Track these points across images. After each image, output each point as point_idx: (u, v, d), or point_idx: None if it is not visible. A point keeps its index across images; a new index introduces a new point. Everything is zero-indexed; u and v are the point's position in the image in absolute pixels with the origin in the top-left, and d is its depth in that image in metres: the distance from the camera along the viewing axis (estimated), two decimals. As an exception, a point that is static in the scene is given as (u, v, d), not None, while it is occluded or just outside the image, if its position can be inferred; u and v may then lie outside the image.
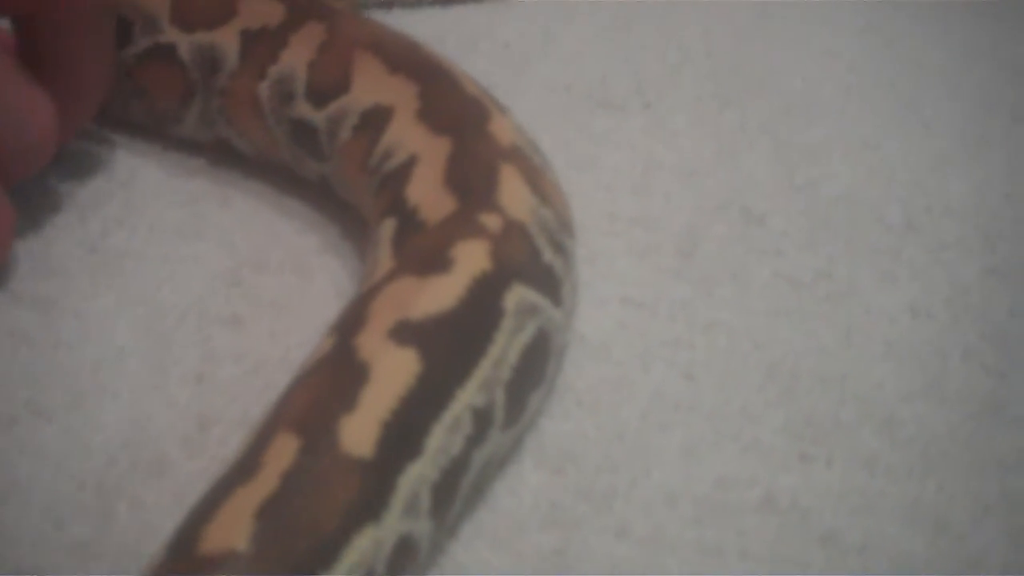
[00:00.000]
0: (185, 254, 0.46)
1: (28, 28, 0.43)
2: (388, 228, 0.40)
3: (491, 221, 0.39)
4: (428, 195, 0.40)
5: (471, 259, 0.37)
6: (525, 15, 0.65)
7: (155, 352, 0.41)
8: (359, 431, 0.32)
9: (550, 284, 0.40)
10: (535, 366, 0.39)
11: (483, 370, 0.36)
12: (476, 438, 0.36)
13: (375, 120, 0.44)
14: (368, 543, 0.30)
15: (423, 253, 0.38)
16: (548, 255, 0.40)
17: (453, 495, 0.35)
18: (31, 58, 0.43)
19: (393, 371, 0.34)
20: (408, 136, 0.42)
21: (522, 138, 0.44)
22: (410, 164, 0.41)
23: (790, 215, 0.51)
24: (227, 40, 0.47)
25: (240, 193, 0.49)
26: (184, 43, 0.48)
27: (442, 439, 0.34)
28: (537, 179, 0.42)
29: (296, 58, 0.46)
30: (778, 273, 0.47)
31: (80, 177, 0.49)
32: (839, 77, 0.60)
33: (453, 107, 0.44)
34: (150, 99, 0.49)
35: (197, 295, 0.44)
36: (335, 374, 0.34)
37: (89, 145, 0.50)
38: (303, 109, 0.46)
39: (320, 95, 0.45)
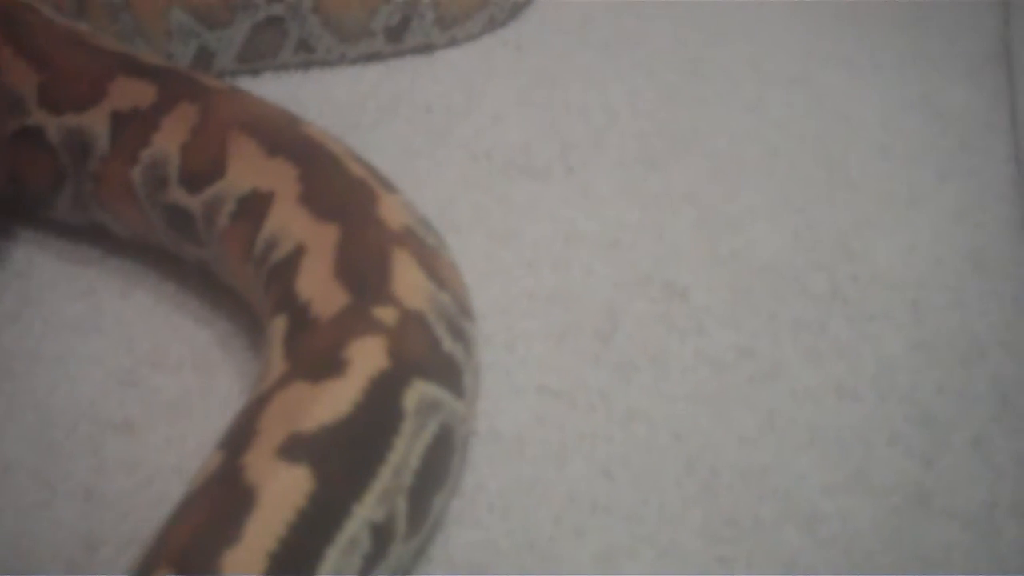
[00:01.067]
0: (81, 353, 0.44)
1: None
2: (279, 326, 0.38)
3: (386, 315, 0.37)
4: (319, 289, 0.39)
5: (366, 359, 0.36)
6: (448, 72, 0.63)
7: (43, 465, 0.39)
8: (244, 565, 0.31)
9: (451, 375, 0.38)
10: (439, 466, 0.37)
11: (382, 480, 0.34)
12: (376, 555, 0.34)
13: (254, 206, 0.42)
14: None
15: (316, 355, 0.37)
16: (448, 343, 0.39)
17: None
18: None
19: (282, 494, 0.32)
20: (292, 223, 0.41)
21: (413, 217, 0.43)
22: (297, 255, 0.40)
23: (713, 288, 0.49)
24: (97, 123, 0.45)
25: (141, 282, 0.47)
26: (53, 126, 0.46)
27: (337, 562, 0.33)
28: (432, 261, 0.41)
29: (168, 141, 0.44)
30: (700, 353, 0.46)
31: (-27, 269, 0.47)
32: (766, 135, 0.59)
33: (337, 190, 0.42)
34: (20, 183, 0.47)
35: (90, 399, 0.42)
36: (220, 500, 0.32)
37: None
38: (177, 195, 0.44)
39: (194, 180, 0.44)
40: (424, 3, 0.63)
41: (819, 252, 0.52)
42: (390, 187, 0.43)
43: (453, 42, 0.66)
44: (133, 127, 0.45)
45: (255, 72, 0.61)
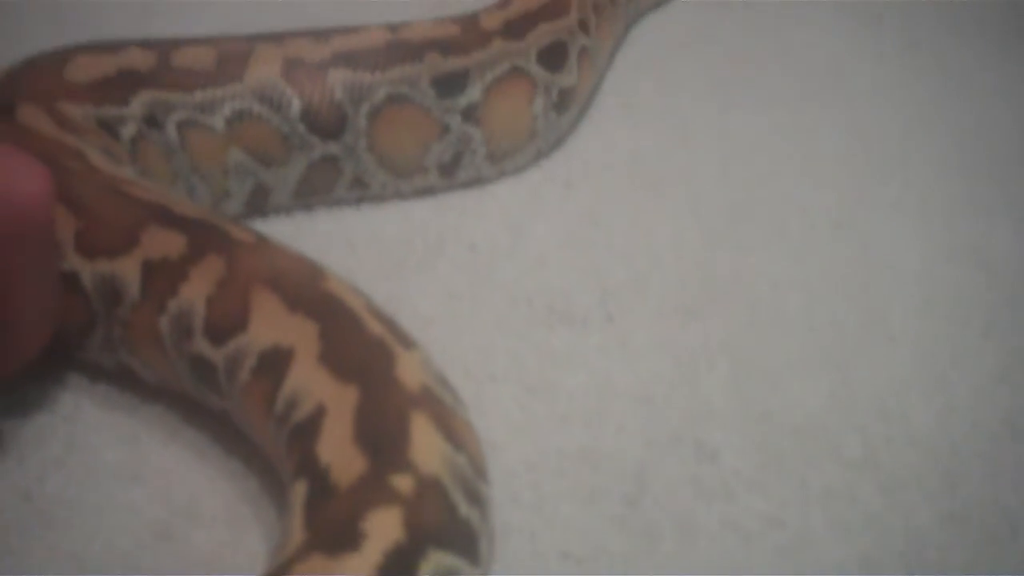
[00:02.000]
0: (120, 502, 0.45)
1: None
2: (300, 492, 0.39)
3: (403, 483, 0.38)
4: (338, 454, 0.39)
5: (383, 531, 0.36)
6: (495, 208, 0.65)
7: (76, 619, 0.41)
8: None
9: (467, 542, 0.39)
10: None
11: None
12: None
13: (275, 362, 0.43)
14: None
15: (334, 526, 0.37)
16: (464, 508, 0.39)
17: None
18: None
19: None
20: (312, 383, 0.42)
21: (431, 375, 0.43)
22: (318, 416, 0.41)
23: (744, 450, 0.50)
24: (129, 271, 0.47)
25: (182, 431, 0.48)
26: (87, 271, 0.48)
27: None
28: (449, 421, 0.41)
29: (195, 293, 0.46)
30: (727, 521, 0.46)
31: (25, 412, 0.48)
32: (808, 284, 0.60)
33: (356, 350, 0.43)
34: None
35: (126, 551, 0.43)
36: None
37: (35, 377, 0.50)
38: (202, 346, 0.45)
39: (218, 332, 0.45)
40: (475, 139, 0.65)
41: (854, 412, 0.52)
42: (408, 343, 0.44)
43: (502, 175, 0.68)
44: (163, 276, 0.46)
45: (309, 207, 0.63)
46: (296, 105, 0.60)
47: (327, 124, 0.61)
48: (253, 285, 0.45)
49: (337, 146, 0.62)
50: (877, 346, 0.56)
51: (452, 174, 0.65)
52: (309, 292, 0.45)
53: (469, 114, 0.65)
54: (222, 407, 0.46)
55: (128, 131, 0.57)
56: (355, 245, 0.60)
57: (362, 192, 0.64)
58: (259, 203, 0.62)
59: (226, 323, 0.45)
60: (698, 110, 0.76)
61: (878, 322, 0.57)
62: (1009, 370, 0.55)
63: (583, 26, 0.73)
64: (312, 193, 0.63)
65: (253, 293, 0.45)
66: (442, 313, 0.56)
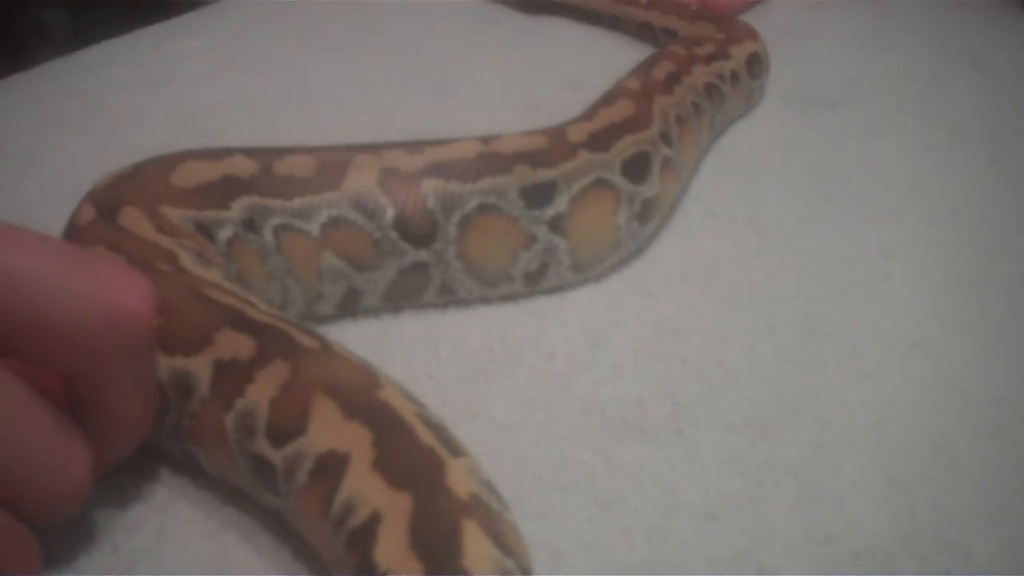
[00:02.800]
0: (204, 593, 0.48)
1: (73, 379, 0.46)
2: None
3: None
4: (396, 560, 0.41)
5: None
6: (576, 317, 0.67)
7: None
8: None
9: None
10: None
11: None
12: None
13: (331, 466, 0.45)
14: None
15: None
16: None
17: None
18: (73, 404, 0.46)
19: None
20: (367, 489, 0.44)
21: (478, 481, 0.45)
22: (374, 522, 0.43)
23: (805, 573, 0.51)
24: (201, 368, 0.50)
25: (265, 526, 0.51)
26: (164, 365, 0.51)
27: None
28: (498, 527, 0.43)
29: (260, 394, 0.48)
30: (784, 644, 0.47)
31: (120, 502, 0.52)
32: (879, 405, 0.61)
33: (408, 458, 0.45)
34: None
35: (209, 640, 0.46)
36: None
37: (130, 469, 0.53)
38: (263, 446, 0.48)
39: (279, 434, 0.47)
40: (561, 249, 0.68)
41: (915, 540, 0.53)
42: (457, 451, 0.46)
43: (585, 282, 0.70)
44: (231, 376, 0.49)
45: (397, 310, 0.66)
46: (390, 213, 0.63)
47: (419, 232, 0.64)
48: (314, 391, 0.48)
49: (427, 253, 0.64)
50: (943, 472, 0.57)
51: (537, 283, 0.68)
52: (365, 399, 0.47)
53: (556, 224, 0.67)
54: (276, 505, 0.49)
55: (225, 233, 0.60)
56: (439, 349, 0.63)
57: (449, 298, 0.66)
58: (351, 305, 0.65)
59: (287, 425, 0.47)
60: (779, 221, 0.78)
61: (946, 447, 0.58)
62: (1077, 503, 0.55)
63: (665, 137, 0.75)
64: (402, 298, 0.65)
65: (314, 399, 0.47)
66: (518, 421, 0.58)
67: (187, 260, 0.56)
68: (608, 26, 1.17)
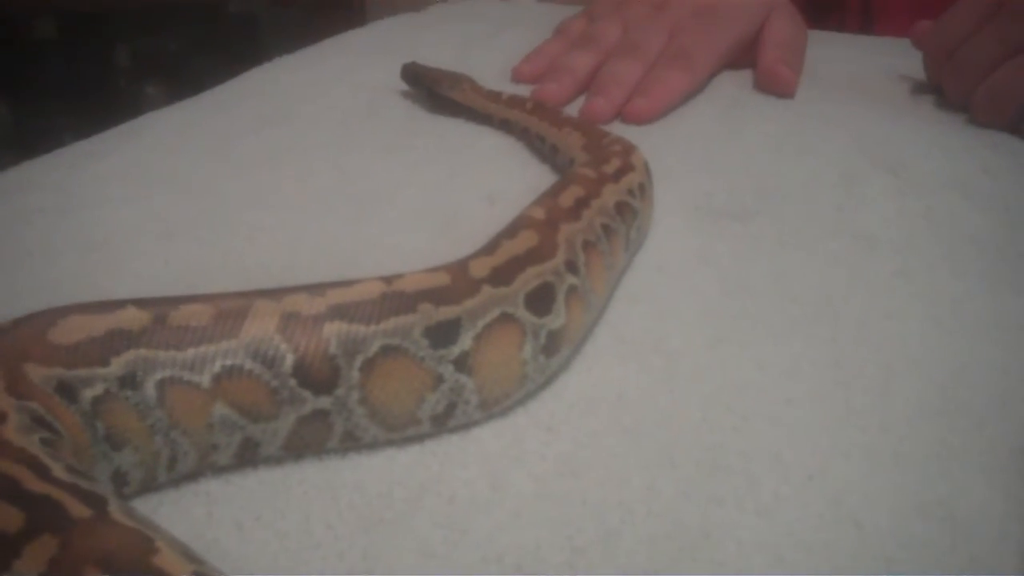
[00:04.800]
0: None
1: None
2: None
3: None
4: None
5: None
6: (477, 456, 0.67)
7: None
8: None
9: None
10: None
11: None
12: None
13: None
14: None
15: None
16: None
17: None
18: None
19: None
20: None
21: None
22: None
23: None
24: None
25: None
26: None
27: None
28: None
29: (27, 569, 0.46)
30: None
31: None
32: (773, 545, 0.61)
33: None
34: None
35: None
36: None
37: None
38: None
39: None
40: (468, 388, 0.68)
41: None
42: None
43: (490, 418, 0.70)
44: None
45: (298, 457, 0.66)
46: (289, 360, 0.63)
47: (319, 378, 0.64)
48: (85, 565, 0.47)
49: (328, 400, 0.64)
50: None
51: (444, 423, 0.68)
52: (138, 569, 0.46)
53: (462, 363, 0.67)
54: None
55: (92, 392, 0.59)
56: (338, 497, 0.63)
57: (353, 444, 0.66)
58: (249, 455, 0.64)
59: None
60: (687, 344, 0.79)
61: (840, 586, 0.59)
62: (967, 642, 0.56)
63: (571, 266, 0.76)
64: (303, 447, 0.65)
65: (84, 573, 0.46)
66: (415, 573, 0.58)
67: (12, 423, 0.54)
68: (499, 128, 1.19)
